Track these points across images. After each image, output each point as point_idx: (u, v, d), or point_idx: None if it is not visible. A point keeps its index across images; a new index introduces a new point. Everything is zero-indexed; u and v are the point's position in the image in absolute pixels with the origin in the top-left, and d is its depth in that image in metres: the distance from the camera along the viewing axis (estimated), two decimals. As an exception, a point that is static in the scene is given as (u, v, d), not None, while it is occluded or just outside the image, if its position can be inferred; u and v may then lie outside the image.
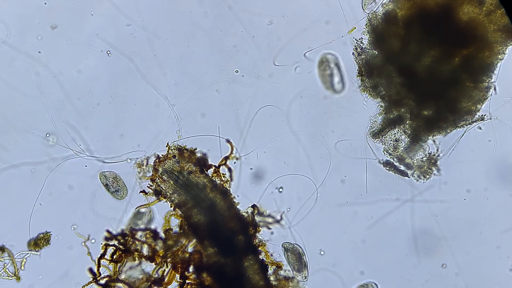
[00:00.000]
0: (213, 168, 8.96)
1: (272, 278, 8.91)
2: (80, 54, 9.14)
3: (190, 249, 8.87)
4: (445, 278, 9.06)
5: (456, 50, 8.73)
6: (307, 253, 9.05)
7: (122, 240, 8.91)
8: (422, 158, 9.05)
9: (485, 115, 8.90)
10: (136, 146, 9.07)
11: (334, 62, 9.03)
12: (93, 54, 9.13)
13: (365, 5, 8.48)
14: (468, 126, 8.94)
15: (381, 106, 9.03)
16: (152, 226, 8.98)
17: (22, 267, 9.05)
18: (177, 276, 8.87)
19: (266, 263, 8.90)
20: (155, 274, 8.88)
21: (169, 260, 8.85)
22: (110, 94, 9.14)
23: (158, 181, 8.90)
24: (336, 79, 9.08)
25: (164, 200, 8.93)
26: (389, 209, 9.09)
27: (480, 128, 8.92)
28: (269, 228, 9.01)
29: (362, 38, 8.99)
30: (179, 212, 8.89)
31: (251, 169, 9.04)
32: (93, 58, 9.14)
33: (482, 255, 9.06)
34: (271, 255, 8.94)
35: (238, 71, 9.02)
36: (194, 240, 8.85)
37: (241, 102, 9.14)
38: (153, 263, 8.88)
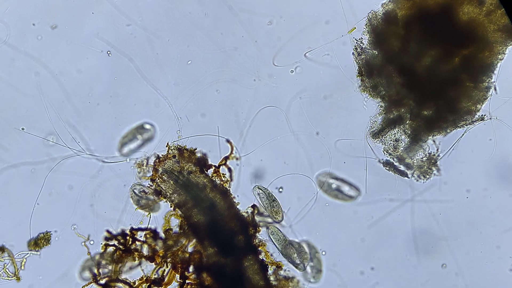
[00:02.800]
0: (213, 168, 8.96)
1: (272, 278, 8.91)
2: (80, 54, 9.14)
3: (190, 249, 8.87)
4: (445, 278, 9.06)
5: (456, 50, 8.73)
6: (309, 252, 9.06)
7: (122, 240, 8.91)
8: (422, 158, 9.04)
9: (485, 115, 8.90)
10: (136, 146, 9.08)
11: None
12: (93, 54, 9.13)
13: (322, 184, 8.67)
14: (468, 126, 8.94)
15: (381, 106, 9.02)
16: (152, 226, 8.99)
17: (22, 267, 9.05)
18: (177, 276, 8.87)
19: (266, 263, 8.90)
20: (155, 274, 8.88)
21: (169, 260, 8.85)
22: (110, 94, 9.14)
23: (158, 181, 8.90)
24: None
25: (164, 200, 8.92)
26: (389, 209, 9.09)
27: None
28: (269, 228, 9.00)
29: (362, 38, 9.00)
30: (179, 212, 8.88)
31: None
32: (93, 58, 9.14)
33: (482, 255, 9.05)
34: (271, 255, 8.94)
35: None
36: (194, 240, 8.85)
37: (242, 103, 9.15)
38: (153, 263, 8.88)
